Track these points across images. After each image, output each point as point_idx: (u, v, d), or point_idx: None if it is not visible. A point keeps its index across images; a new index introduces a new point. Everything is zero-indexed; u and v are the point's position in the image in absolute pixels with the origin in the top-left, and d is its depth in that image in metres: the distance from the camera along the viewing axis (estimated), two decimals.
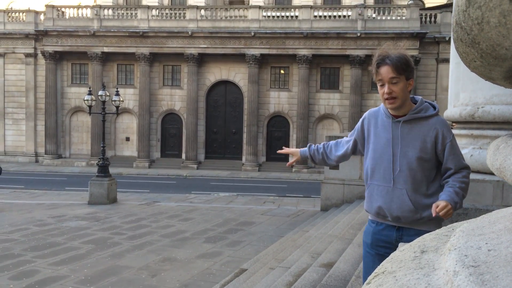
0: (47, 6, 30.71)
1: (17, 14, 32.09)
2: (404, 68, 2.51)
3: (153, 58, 29.93)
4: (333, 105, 29.40)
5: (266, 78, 29.83)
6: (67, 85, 31.38)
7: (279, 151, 3.41)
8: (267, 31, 28.33)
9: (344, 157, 3.01)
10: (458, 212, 4.16)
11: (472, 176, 4.29)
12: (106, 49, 29.76)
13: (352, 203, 12.35)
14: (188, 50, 29.09)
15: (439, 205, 2.43)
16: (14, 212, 14.36)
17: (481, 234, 1.02)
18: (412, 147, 2.60)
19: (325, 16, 28.90)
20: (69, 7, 31.35)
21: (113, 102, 17.98)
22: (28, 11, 31.79)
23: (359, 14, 27.96)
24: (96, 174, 16.98)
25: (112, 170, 18.66)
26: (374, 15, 28.60)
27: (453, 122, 5.47)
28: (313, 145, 3.16)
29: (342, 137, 3.10)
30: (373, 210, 2.75)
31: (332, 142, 3.08)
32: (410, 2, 32.08)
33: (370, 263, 2.80)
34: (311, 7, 29.23)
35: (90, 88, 20.15)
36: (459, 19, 1.03)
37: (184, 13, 29.69)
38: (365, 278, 2.89)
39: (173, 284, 7.46)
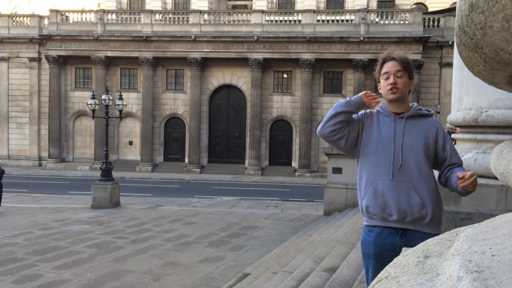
0: (51, 10, 30.87)
1: (21, 18, 32.25)
2: (409, 66, 2.72)
3: (156, 62, 30.02)
4: None
5: (269, 82, 29.86)
6: (71, 89, 31.49)
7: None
8: (270, 35, 28.38)
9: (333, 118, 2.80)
10: (462, 216, 4.15)
11: None
12: (109, 53, 29.87)
13: (356, 207, 12.32)
14: (191, 54, 29.16)
15: (466, 174, 2.45)
16: (17, 216, 14.39)
17: (485, 239, 1.01)
18: (417, 141, 2.68)
19: (328, 21, 28.93)
20: (73, 11, 31.50)
21: (116, 106, 18.03)
22: (32, 15, 31.96)
23: (362, 18, 27.98)
24: (99, 178, 17.01)
25: (115, 174, 18.69)
26: (377, 19, 28.61)
27: (456, 126, 5.46)
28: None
29: None
30: (378, 207, 2.67)
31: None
32: (413, 6, 32.13)
33: (373, 274, 2.71)
34: (314, 11, 29.27)
35: (93, 92, 20.21)
36: (462, 24, 1.03)
37: (187, 18, 29.78)
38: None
39: None
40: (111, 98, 17.88)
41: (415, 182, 2.62)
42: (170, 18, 30.35)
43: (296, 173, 28.77)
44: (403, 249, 1.62)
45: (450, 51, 27.18)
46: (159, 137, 31.08)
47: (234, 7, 37.36)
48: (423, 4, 38.05)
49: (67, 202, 18.09)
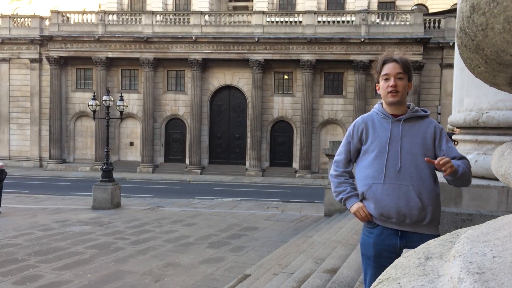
0: (52, 11, 30.90)
1: (22, 19, 32.29)
2: (409, 68, 2.71)
3: (157, 63, 30.04)
4: (336, 110, 29.39)
5: (269, 83, 29.87)
6: (72, 90, 31.52)
7: None
8: (271, 36, 28.40)
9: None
10: (463, 218, 4.14)
11: (477, 181, 4.29)
12: (110, 54, 29.90)
13: None
14: (192, 55, 29.18)
15: (442, 159, 2.48)
16: (18, 217, 14.40)
17: (486, 241, 1.01)
18: (415, 144, 2.67)
19: (328, 22, 28.94)
20: (74, 12, 31.53)
21: (117, 107, 18.04)
22: (33, 16, 32.00)
23: (363, 20, 27.99)
24: (100, 179, 17.03)
25: (116, 175, 18.70)
26: (378, 21, 28.62)
27: (457, 127, 5.46)
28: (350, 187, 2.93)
29: None
30: (377, 211, 2.67)
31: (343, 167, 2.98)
32: (414, 7, 32.13)
33: (374, 275, 2.69)
34: (314, 12, 29.28)
35: (94, 93, 20.23)
36: (463, 25, 1.03)
37: (188, 19, 29.81)
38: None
39: None
40: (112, 99, 17.90)
41: (414, 184, 2.61)
42: (171, 19, 30.38)
43: (297, 174, 28.77)
44: (404, 250, 1.62)
45: (451, 52, 27.17)
46: (160, 138, 31.09)
47: (234, 8, 37.38)
48: (423, 5, 38.07)
49: (67, 203, 18.10)
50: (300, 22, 29.06)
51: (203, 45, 29.13)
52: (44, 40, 30.73)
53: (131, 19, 30.49)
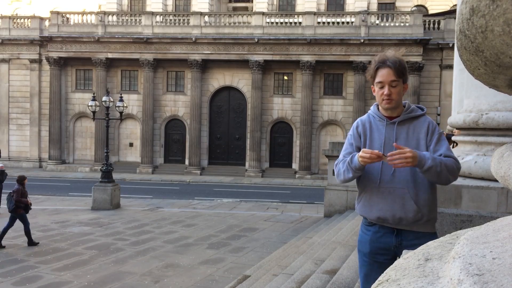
0: (52, 12, 30.91)
1: (22, 20, 32.29)
2: (403, 72, 2.65)
3: (157, 64, 30.04)
4: (336, 111, 29.39)
5: (269, 84, 29.87)
6: (71, 91, 31.51)
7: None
8: (271, 37, 28.41)
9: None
10: (462, 219, 4.14)
11: (476, 182, 4.29)
12: (110, 55, 29.90)
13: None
14: (191, 56, 29.19)
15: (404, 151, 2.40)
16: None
17: (485, 242, 1.01)
18: (409, 146, 2.62)
19: (328, 23, 28.95)
20: (74, 13, 31.54)
21: (117, 108, 18.04)
22: (33, 17, 32.00)
23: (363, 21, 28.00)
24: (100, 179, 17.03)
25: (115, 176, 18.70)
26: (377, 22, 28.63)
27: (457, 128, 5.46)
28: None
29: None
30: (373, 214, 2.69)
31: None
32: (414, 8, 32.17)
33: (368, 272, 2.77)
34: (314, 13, 29.29)
35: (94, 94, 20.23)
36: (463, 27, 1.03)
37: (188, 19, 29.82)
38: (363, 287, 2.85)
39: None
40: (112, 100, 17.89)
41: (410, 187, 2.61)
42: (170, 20, 30.39)
43: (297, 175, 28.77)
44: (404, 251, 1.62)
45: (450, 53, 27.19)
46: (160, 138, 31.09)
47: (234, 9, 37.39)
48: (423, 6, 38.11)
49: (67, 203, 18.09)
50: (300, 23, 29.08)
51: (203, 46, 29.13)
52: (44, 41, 30.73)
53: (131, 19, 30.51)
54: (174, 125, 31.28)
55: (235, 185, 25.44)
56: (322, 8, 34.31)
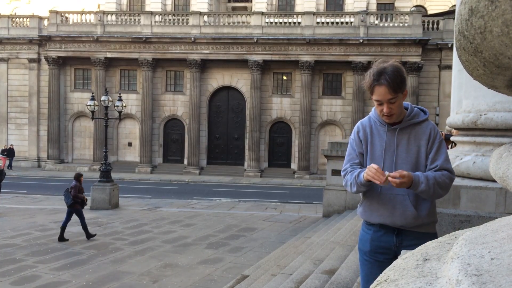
0: (50, 11, 30.86)
1: (21, 19, 32.24)
2: (400, 86, 2.53)
3: (156, 63, 30.02)
4: (335, 111, 29.40)
5: (268, 84, 29.87)
6: (70, 90, 31.48)
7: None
8: (270, 37, 28.41)
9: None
10: (461, 219, 4.15)
11: (475, 183, 4.29)
12: (109, 55, 29.88)
13: (355, 209, 12.31)
14: (191, 56, 29.18)
15: (401, 173, 2.44)
16: (16, 217, 14.38)
17: (484, 243, 1.01)
18: (411, 152, 2.65)
19: (327, 23, 28.96)
20: (73, 12, 31.50)
21: (115, 108, 18.04)
22: (32, 16, 31.96)
23: (362, 21, 28.02)
24: (99, 179, 17.03)
25: (114, 176, 18.69)
26: (376, 22, 28.64)
27: (455, 129, 5.47)
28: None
29: (345, 143, 3.04)
30: (374, 220, 2.72)
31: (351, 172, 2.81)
32: (413, 9, 32.20)
33: (368, 271, 2.78)
34: (313, 13, 29.29)
35: (93, 93, 20.21)
36: (461, 28, 1.03)
37: (187, 19, 29.80)
38: (364, 286, 2.86)
39: None
40: (111, 99, 17.89)
41: (410, 193, 2.61)
42: (169, 19, 30.37)
43: (295, 175, 28.77)
44: (402, 251, 1.62)
45: (449, 53, 27.21)
46: (159, 138, 31.07)
47: (233, 8, 37.38)
48: (422, 6, 38.15)
49: None
50: (299, 23, 29.08)
51: (202, 45, 29.12)
52: (43, 40, 30.69)
53: (130, 19, 30.48)
54: (173, 125, 31.27)
55: (234, 185, 25.43)
56: (321, 8, 34.31)
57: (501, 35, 0.91)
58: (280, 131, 30.44)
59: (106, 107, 17.60)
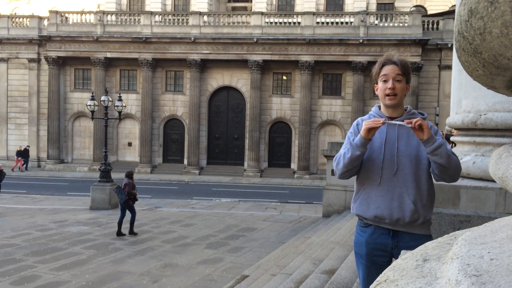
0: (50, 11, 30.86)
1: (21, 19, 32.24)
2: (408, 71, 2.69)
3: (156, 63, 30.02)
4: (335, 111, 29.41)
5: (268, 84, 29.87)
6: (70, 90, 31.48)
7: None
8: (270, 37, 28.41)
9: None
10: (461, 219, 4.15)
11: (475, 183, 4.30)
12: (109, 55, 29.87)
13: None
14: (190, 56, 29.17)
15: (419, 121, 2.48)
16: (16, 217, 14.37)
17: (483, 243, 1.02)
18: (410, 146, 2.66)
19: (327, 23, 28.96)
20: (73, 13, 31.50)
21: (115, 108, 18.03)
22: (31, 16, 31.95)
23: (362, 21, 28.02)
24: (98, 179, 17.02)
25: (114, 175, 18.68)
26: (376, 22, 28.64)
27: (455, 129, 5.47)
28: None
29: None
30: (370, 213, 2.68)
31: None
32: (413, 9, 32.20)
33: (365, 274, 2.77)
34: (313, 13, 29.29)
35: (93, 93, 20.20)
36: (461, 29, 1.03)
37: (187, 19, 29.81)
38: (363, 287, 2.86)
39: None
40: (111, 99, 17.88)
41: (409, 187, 2.62)
42: (169, 19, 30.37)
43: (295, 175, 28.77)
44: (402, 251, 1.63)
45: (449, 53, 27.22)
46: (158, 138, 31.07)
47: (233, 8, 37.38)
48: (422, 6, 38.15)
49: (65, 203, 18.08)
50: (299, 23, 29.08)
51: (202, 45, 29.12)
52: (43, 40, 30.69)
53: (130, 19, 30.48)
54: (173, 124, 31.27)
55: (234, 185, 25.43)
56: (321, 8, 34.32)
57: (501, 36, 0.91)
58: (280, 131, 30.44)
59: (106, 107, 17.60)
